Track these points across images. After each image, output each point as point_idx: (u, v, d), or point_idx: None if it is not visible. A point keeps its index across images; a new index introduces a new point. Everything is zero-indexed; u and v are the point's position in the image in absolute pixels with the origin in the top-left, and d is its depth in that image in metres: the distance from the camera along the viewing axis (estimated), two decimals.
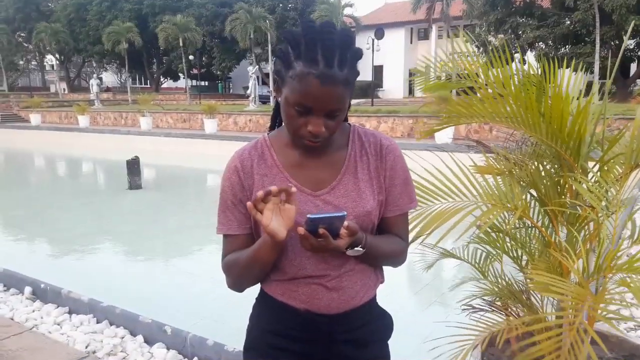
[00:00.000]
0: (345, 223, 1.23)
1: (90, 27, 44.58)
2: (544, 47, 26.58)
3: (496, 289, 2.05)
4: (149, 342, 3.57)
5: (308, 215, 1.18)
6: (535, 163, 1.95)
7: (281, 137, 1.43)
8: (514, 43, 26.67)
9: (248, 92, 25.56)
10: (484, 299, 2.07)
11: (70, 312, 4.09)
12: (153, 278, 5.78)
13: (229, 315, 4.49)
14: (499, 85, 1.77)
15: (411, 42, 42.19)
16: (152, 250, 7.14)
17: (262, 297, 1.49)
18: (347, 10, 35.39)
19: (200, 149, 18.00)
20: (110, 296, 4.25)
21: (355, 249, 1.32)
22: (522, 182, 1.89)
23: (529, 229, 2.01)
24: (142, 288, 5.30)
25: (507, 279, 2.07)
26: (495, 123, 1.83)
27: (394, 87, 41.13)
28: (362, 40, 39.09)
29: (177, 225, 8.48)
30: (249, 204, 1.21)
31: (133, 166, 11.10)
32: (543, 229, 1.86)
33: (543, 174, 1.92)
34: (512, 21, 26.68)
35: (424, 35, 41.37)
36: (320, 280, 1.38)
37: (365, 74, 41.17)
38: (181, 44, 37.35)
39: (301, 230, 1.21)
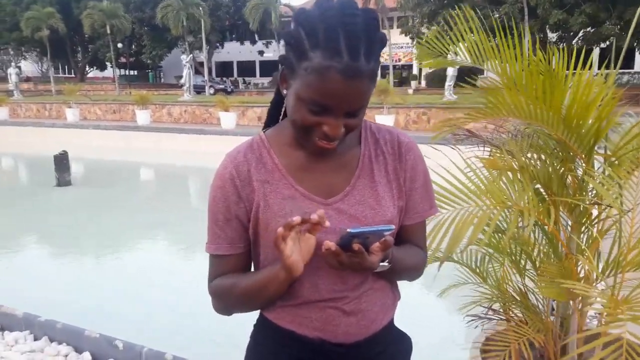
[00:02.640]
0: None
1: (6, 12, 41.34)
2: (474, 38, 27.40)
3: (497, 294, 1.92)
4: (98, 359, 3.21)
5: (348, 230, 0.97)
6: (542, 157, 1.82)
7: (281, 135, 1.19)
8: (447, 35, 27.31)
9: (182, 81, 24.59)
10: (485, 306, 1.92)
11: (2, 329, 3.63)
12: (94, 285, 5.31)
13: (186, 324, 4.19)
14: (511, 76, 1.62)
15: None
16: (88, 253, 6.62)
17: (264, 325, 1.24)
18: None
19: (133, 141, 17.10)
20: (48, 309, 3.82)
21: (382, 264, 1.12)
22: (530, 179, 1.74)
23: (534, 230, 1.88)
24: (83, 297, 4.85)
25: (510, 282, 1.94)
26: (510, 117, 1.67)
27: None
28: None
29: (112, 224, 7.92)
30: (280, 231, 0.98)
31: (61, 161, 10.32)
32: (554, 229, 1.72)
33: (550, 169, 1.79)
34: (445, 13, 27.29)
35: None
36: (337, 303, 1.17)
37: None
38: (109, 32, 35.45)
39: (331, 245, 1.00)
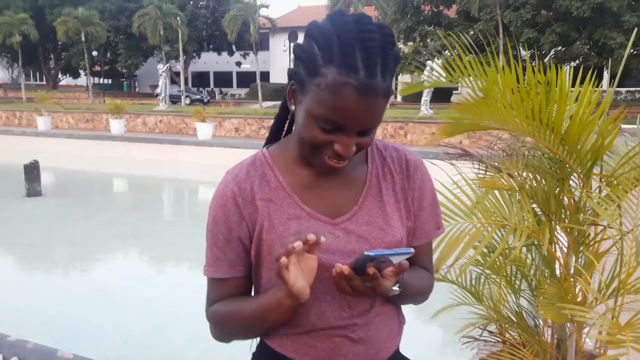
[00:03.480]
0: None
1: None
2: (449, 55, 27.89)
3: (493, 315, 1.87)
4: None
5: (366, 252, 0.92)
6: (537, 177, 1.79)
7: (285, 152, 1.13)
8: (423, 51, 27.77)
9: (158, 91, 24.30)
10: (481, 328, 1.88)
11: None
12: (65, 300, 5.11)
13: (158, 337, 4.05)
14: (509, 94, 1.59)
15: None
16: (59, 267, 6.40)
17: (265, 353, 1.17)
18: (263, 11, 34.97)
19: (106, 151, 16.75)
20: (17, 327, 3.64)
21: (393, 288, 1.06)
22: (528, 199, 1.71)
23: (531, 250, 1.85)
24: (55, 314, 4.65)
25: (506, 304, 1.90)
26: (506, 131, 1.64)
27: None
28: (279, 43, 38.93)
29: (84, 236, 7.69)
30: (283, 260, 0.91)
31: (32, 171, 9.99)
32: (553, 250, 1.70)
33: (546, 188, 1.76)
34: (421, 29, 27.73)
35: None
36: (345, 331, 1.10)
37: (281, 77, 41.14)
38: (83, 39, 34.89)
39: (344, 268, 0.94)
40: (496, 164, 1.89)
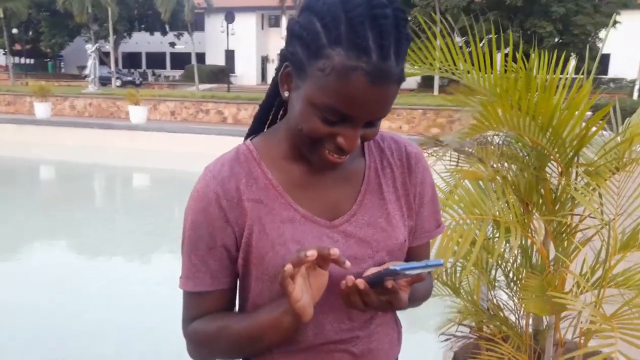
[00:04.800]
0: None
1: None
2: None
3: (471, 308, 1.81)
4: None
5: (392, 266, 0.80)
6: (513, 167, 1.73)
7: (273, 144, 0.98)
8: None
9: (86, 72, 23.03)
10: (459, 323, 1.81)
11: None
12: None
13: (95, 336, 3.78)
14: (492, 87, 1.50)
15: (262, 28, 41.94)
16: None
17: None
18: None
19: (31, 137, 15.65)
20: None
21: None
22: (510, 190, 1.64)
23: (508, 241, 1.79)
24: None
25: (484, 296, 1.83)
26: (489, 129, 1.55)
27: (246, 73, 40.66)
28: (215, 23, 37.83)
29: (5, 229, 7.11)
30: (288, 268, 0.78)
31: None
32: (535, 240, 1.64)
33: (527, 178, 1.70)
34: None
35: (275, 22, 41.37)
36: (346, 345, 0.98)
37: (217, 59, 40.09)
38: (1, 15, 32.38)
39: (360, 283, 0.83)
40: (474, 153, 1.80)
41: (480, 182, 1.66)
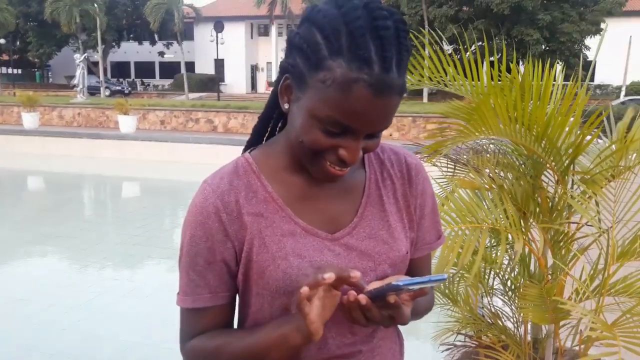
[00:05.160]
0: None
1: None
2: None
3: (469, 317, 1.79)
4: None
5: (394, 282, 0.79)
6: (509, 175, 1.72)
7: (272, 156, 0.96)
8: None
9: (75, 82, 22.92)
10: (458, 332, 1.79)
11: None
12: None
13: (88, 349, 3.72)
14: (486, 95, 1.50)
15: (252, 37, 42.05)
16: None
17: None
18: (187, 0, 33.81)
19: (19, 147, 15.49)
20: None
21: None
22: (508, 199, 1.63)
23: (505, 250, 1.78)
24: None
25: (483, 306, 1.82)
26: (487, 136, 1.55)
27: (235, 81, 40.72)
28: (204, 32, 37.85)
29: None
30: (305, 290, 0.77)
31: None
32: (535, 249, 1.63)
33: (522, 187, 1.70)
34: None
35: (264, 32, 41.50)
36: (353, 358, 0.96)
37: (206, 67, 40.08)
38: None
39: (362, 298, 0.81)
40: (472, 162, 1.80)
41: (477, 191, 1.65)
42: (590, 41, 24.44)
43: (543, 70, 1.57)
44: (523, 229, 1.64)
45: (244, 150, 1.02)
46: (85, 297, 4.86)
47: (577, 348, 1.73)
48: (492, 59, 1.79)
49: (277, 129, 1.03)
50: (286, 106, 0.89)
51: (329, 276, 0.76)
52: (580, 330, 1.70)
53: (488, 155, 1.84)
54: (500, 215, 1.55)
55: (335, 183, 0.95)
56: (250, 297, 0.93)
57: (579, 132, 1.57)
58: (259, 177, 0.94)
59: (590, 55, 24.72)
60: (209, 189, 0.92)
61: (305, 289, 0.77)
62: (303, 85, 0.83)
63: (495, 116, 1.47)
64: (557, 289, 1.58)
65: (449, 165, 1.90)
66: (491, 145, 1.87)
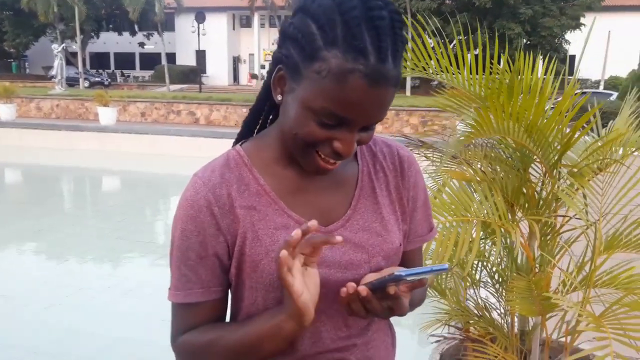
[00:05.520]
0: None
1: None
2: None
3: (457, 309, 1.80)
4: None
5: (396, 273, 0.79)
6: (497, 168, 1.73)
7: (264, 149, 0.95)
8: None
9: (53, 73, 22.47)
10: (446, 323, 1.80)
11: None
12: None
13: (71, 344, 3.67)
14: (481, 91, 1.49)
15: (233, 29, 41.68)
16: None
17: None
18: None
19: None
20: None
21: None
22: (499, 192, 1.63)
23: (494, 242, 1.79)
24: None
25: (471, 298, 1.83)
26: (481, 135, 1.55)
27: (217, 73, 40.36)
28: (185, 23, 37.40)
29: None
30: (283, 255, 0.75)
31: None
32: (523, 242, 1.64)
33: (510, 179, 1.70)
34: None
35: (246, 23, 41.16)
36: (343, 353, 0.96)
37: (187, 59, 39.63)
38: None
39: (362, 289, 0.81)
40: (458, 154, 1.79)
41: (464, 183, 1.65)
42: (570, 36, 24.75)
43: (534, 65, 1.57)
44: (513, 222, 1.64)
45: (235, 143, 1.00)
46: (64, 293, 4.78)
47: (563, 340, 1.75)
48: (476, 52, 1.79)
49: (268, 121, 1.01)
50: (279, 98, 0.87)
51: (296, 232, 0.75)
52: (567, 322, 1.72)
53: (475, 148, 1.84)
54: (491, 208, 1.55)
55: (327, 176, 0.93)
56: (244, 291, 0.92)
57: (568, 126, 1.59)
58: (251, 169, 0.92)
59: (571, 50, 25.06)
60: (199, 182, 0.90)
61: (283, 254, 0.75)
62: (297, 76, 0.81)
63: (502, 113, 1.46)
64: (544, 281, 1.59)
65: (434, 157, 1.90)
66: (478, 139, 1.87)
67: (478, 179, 1.64)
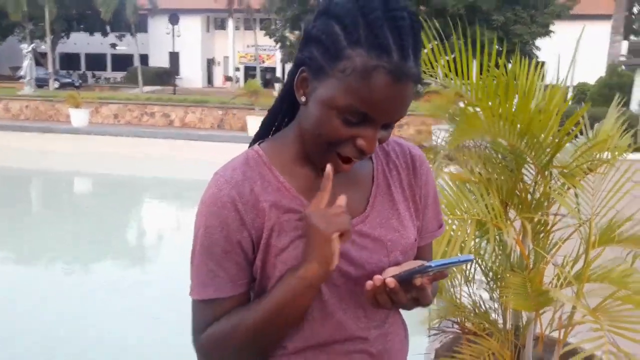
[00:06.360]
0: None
1: None
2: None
3: (454, 306, 1.85)
4: None
5: (428, 263, 0.83)
6: (489, 169, 1.79)
7: (282, 149, 0.98)
8: None
9: (22, 73, 21.92)
10: (449, 319, 1.85)
11: None
12: None
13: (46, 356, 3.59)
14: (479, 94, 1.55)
15: (208, 31, 41.38)
16: None
17: None
18: None
19: None
20: None
21: None
22: (491, 192, 1.69)
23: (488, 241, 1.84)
24: None
25: (467, 296, 1.88)
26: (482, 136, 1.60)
27: (191, 75, 39.97)
28: (159, 25, 36.97)
29: None
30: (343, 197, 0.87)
31: None
32: (516, 240, 1.70)
33: (503, 179, 1.76)
34: (308, 19, 27.89)
35: (221, 25, 40.93)
36: (364, 344, 0.98)
37: (160, 61, 39.16)
38: None
39: (390, 281, 0.84)
40: (450, 155, 1.85)
41: (459, 184, 1.71)
42: (540, 42, 25.36)
43: (529, 69, 1.64)
44: (508, 221, 1.70)
45: (252, 144, 1.03)
46: (38, 296, 4.68)
47: (556, 334, 1.82)
48: (448, 57, 1.85)
49: (284, 123, 1.04)
50: (303, 99, 0.90)
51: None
52: (560, 316, 1.79)
53: (468, 150, 1.90)
54: (489, 208, 1.61)
55: (343, 175, 0.96)
56: (268, 283, 0.93)
57: (559, 129, 1.66)
58: (270, 168, 0.95)
59: (541, 56, 25.67)
60: (222, 180, 0.92)
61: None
62: (322, 76, 0.85)
63: (491, 116, 1.52)
64: (538, 277, 1.65)
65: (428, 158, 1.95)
66: (470, 141, 1.93)
67: (474, 179, 1.70)
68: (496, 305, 1.90)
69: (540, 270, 1.67)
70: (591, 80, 21.92)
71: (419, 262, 0.90)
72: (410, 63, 0.81)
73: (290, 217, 0.92)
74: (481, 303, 1.91)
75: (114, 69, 44.54)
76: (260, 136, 1.05)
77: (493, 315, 1.91)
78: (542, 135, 1.59)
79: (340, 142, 0.86)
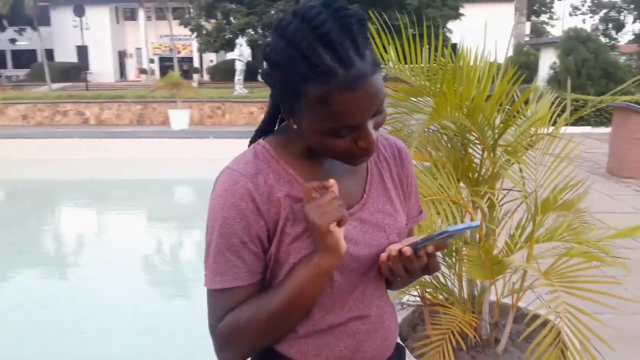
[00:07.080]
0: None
1: None
2: (253, 33, 28.14)
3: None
4: None
5: (444, 229, 0.93)
6: (440, 151, 1.90)
7: (286, 144, 1.03)
8: (227, 29, 27.54)
9: None
10: (409, 294, 1.96)
11: None
12: None
13: None
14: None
15: (118, 22, 39.44)
16: None
17: None
18: None
19: None
20: None
21: None
22: (449, 172, 1.81)
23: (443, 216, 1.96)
24: None
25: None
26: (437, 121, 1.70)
27: (102, 69, 37.97)
28: (63, 17, 34.77)
29: None
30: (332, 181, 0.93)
31: None
32: (470, 214, 1.82)
33: (452, 158, 1.88)
34: (223, 7, 27.36)
35: (131, 16, 39.16)
36: (365, 322, 1.07)
37: (67, 55, 36.90)
38: None
39: (406, 250, 0.95)
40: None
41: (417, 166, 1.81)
42: (452, 25, 26.48)
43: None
44: (464, 198, 1.83)
45: (253, 139, 1.07)
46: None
47: (508, 300, 1.98)
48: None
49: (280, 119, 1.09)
50: (295, 127, 0.95)
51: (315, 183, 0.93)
52: (513, 282, 1.95)
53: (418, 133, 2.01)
54: (446, 187, 1.72)
55: (343, 165, 1.02)
56: (282, 271, 0.98)
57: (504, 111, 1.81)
58: (279, 162, 1.00)
59: (453, 39, 26.84)
60: (237, 174, 0.96)
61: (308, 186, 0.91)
62: (297, 111, 0.91)
63: (445, 101, 1.61)
64: (492, 248, 1.79)
65: None
66: (416, 125, 2.03)
67: (430, 162, 1.81)
68: (452, 276, 2.03)
69: (492, 240, 1.82)
70: (500, 60, 23.27)
71: (414, 238, 0.98)
72: (357, 65, 0.84)
73: (301, 207, 0.97)
74: (438, 276, 2.04)
75: (15, 66, 41.47)
76: (263, 131, 1.08)
77: (450, 287, 2.05)
78: (494, 116, 1.72)
79: (347, 150, 0.92)
